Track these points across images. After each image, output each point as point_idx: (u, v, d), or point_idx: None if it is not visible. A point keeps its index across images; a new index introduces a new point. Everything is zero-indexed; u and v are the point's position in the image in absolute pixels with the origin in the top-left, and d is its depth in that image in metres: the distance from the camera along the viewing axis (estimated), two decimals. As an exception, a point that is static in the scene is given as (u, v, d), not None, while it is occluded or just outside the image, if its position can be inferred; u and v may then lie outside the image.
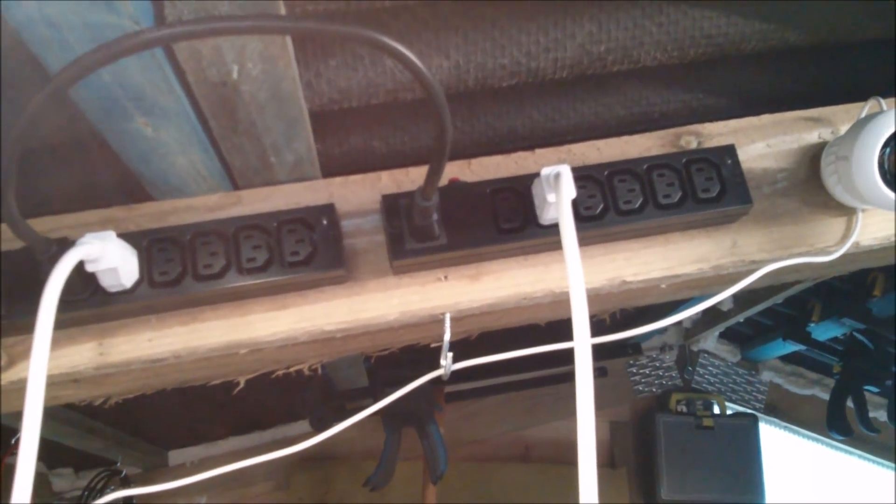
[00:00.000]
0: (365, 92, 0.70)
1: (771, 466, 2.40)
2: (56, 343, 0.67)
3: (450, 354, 0.70)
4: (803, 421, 2.54)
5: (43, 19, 0.46)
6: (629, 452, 2.40)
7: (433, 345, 0.83)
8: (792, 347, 2.18)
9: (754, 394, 2.53)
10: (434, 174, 0.57)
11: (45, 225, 0.71)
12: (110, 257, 0.60)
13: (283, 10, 0.53)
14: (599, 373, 2.36)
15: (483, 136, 0.79)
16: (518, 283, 0.70)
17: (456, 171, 0.74)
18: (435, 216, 0.65)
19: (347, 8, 0.62)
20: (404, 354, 1.60)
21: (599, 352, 2.34)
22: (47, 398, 0.76)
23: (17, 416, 1.39)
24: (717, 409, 2.41)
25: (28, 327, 0.65)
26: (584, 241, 0.69)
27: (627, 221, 0.68)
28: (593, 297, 0.72)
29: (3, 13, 0.47)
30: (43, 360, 0.52)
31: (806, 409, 2.53)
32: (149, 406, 1.92)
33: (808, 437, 2.56)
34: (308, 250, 0.67)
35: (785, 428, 2.57)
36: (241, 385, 0.87)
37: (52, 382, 0.69)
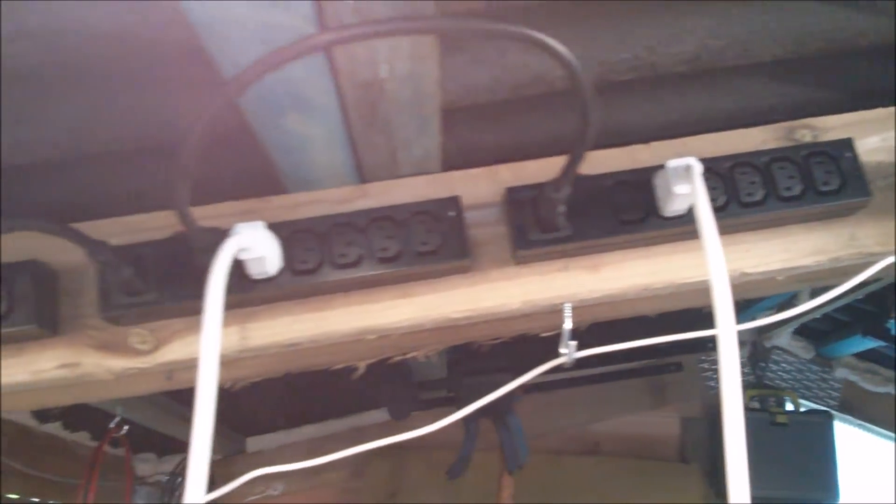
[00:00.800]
0: (488, 88, 0.73)
1: (846, 464, 2.37)
2: (199, 328, 0.72)
3: (573, 343, 0.72)
4: (878, 419, 2.50)
5: (226, 19, 0.49)
6: (701, 448, 2.39)
7: (544, 334, 0.86)
8: (870, 344, 2.15)
9: (828, 391, 2.50)
10: (572, 167, 0.60)
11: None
12: (260, 246, 0.64)
13: (432, 10, 0.56)
14: (674, 368, 2.35)
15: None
16: (638, 274, 0.72)
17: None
18: (562, 208, 0.67)
19: (474, 8, 0.65)
20: (481, 346, 1.63)
21: (676, 347, 2.34)
22: (185, 381, 0.81)
23: (116, 401, 1.46)
24: (790, 406, 2.38)
25: (176, 311, 0.70)
26: (704, 233, 0.70)
27: (749, 213, 0.69)
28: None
29: (184, 12, 0.50)
30: (215, 344, 0.56)
31: (881, 406, 2.48)
32: (229, 393, 1.99)
33: (883, 436, 2.52)
34: (437, 241, 0.70)
35: (859, 426, 2.53)
36: (361, 370, 0.91)
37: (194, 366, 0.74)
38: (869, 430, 2.54)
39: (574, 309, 0.74)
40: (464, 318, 0.73)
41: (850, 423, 2.53)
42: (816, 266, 0.72)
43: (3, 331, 0.68)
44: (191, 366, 0.72)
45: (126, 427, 1.56)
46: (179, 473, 2.04)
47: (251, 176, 0.78)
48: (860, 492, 2.39)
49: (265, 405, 2.29)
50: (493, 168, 0.77)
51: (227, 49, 0.53)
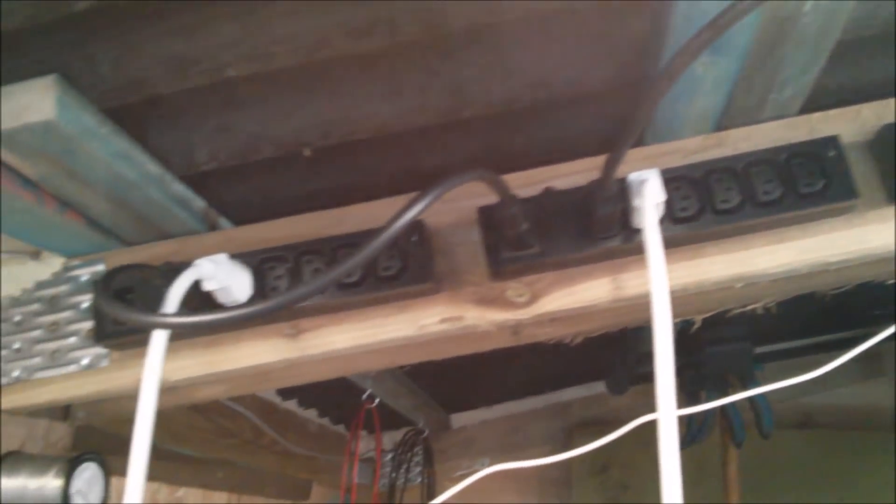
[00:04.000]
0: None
1: None
2: (572, 279, 0.73)
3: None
4: None
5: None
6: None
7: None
8: None
9: None
10: None
11: (540, 175, 0.77)
12: (658, 194, 0.64)
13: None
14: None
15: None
16: None
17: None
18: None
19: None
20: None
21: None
22: (528, 336, 0.83)
23: (367, 376, 1.50)
24: None
25: (554, 265, 0.72)
26: None
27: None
28: None
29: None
30: (664, 283, 0.57)
31: None
32: (437, 372, 2.05)
33: None
34: (819, 182, 0.69)
35: None
36: (698, 324, 0.91)
37: (561, 318, 0.76)
38: None
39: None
40: (840, 261, 0.71)
41: None
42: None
43: (399, 290, 0.72)
44: (562, 317, 0.75)
45: (377, 400, 1.63)
46: (409, 448, 2.11)
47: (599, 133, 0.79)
48: None
49: (467, 384, 2.33)
50: (855, 108, 0.75)
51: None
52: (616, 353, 1.91)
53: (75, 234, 0.73)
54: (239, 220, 0.82)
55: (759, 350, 1.91)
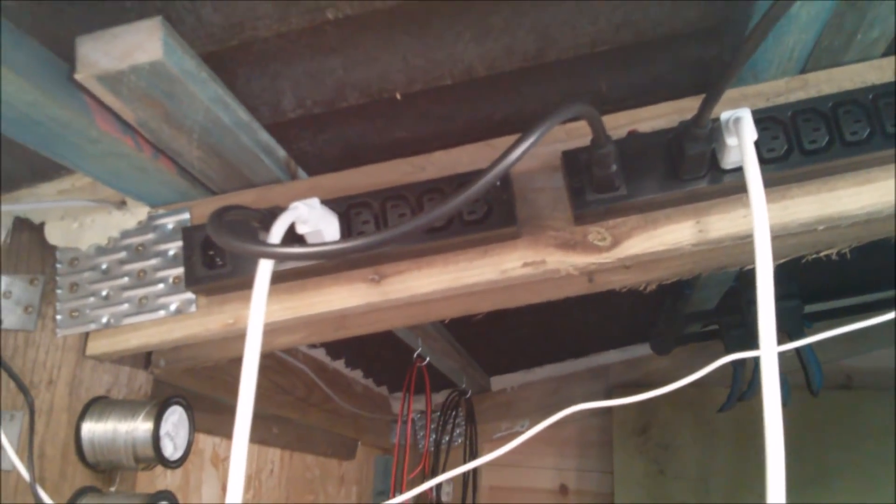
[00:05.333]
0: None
1: None
2: (655, 222, 0.74)
3: None
4: None
5: None
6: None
7: None
8: None
9: None
10: None
11: (622, 119, 0.77)
12: (750, 133, 0.64)
13: None
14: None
15: None
16: None
17: None
18: None
19: None
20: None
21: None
22: (603, 283, 0.84)
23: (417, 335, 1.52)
24: None
25: (638, 208, 0.72)
26: None
27: None
28: None
29: None
30: (764, 222, 0.57)
31: None
32: (480, 333, 2.06)
33: None
34: (910, 121, 0.68)
35: None
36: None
37: (641, 262, 0.76)
38: None
39: None
40: (927, 200, 0.71)
41: None
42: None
43: (483, 234, 0.73)
44: (642, 261, 0.75)
45: (427, 359, 1.65)
46: (452, 408, 2.14)
47: (681, 77, 0.78)
48: None
49: (507, 346, 2.35)
50: (943, 48, 0.74)
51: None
52: (661, 315, 1.92)
53: (165, 181, 0.74)
54: (316, 172, 0.83)
55: (809, 309, 1.91)
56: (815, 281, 1.91)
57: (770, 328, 0.57)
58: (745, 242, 0.73)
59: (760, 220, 0.58)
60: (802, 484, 2.18)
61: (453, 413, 2.17)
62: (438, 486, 2.32)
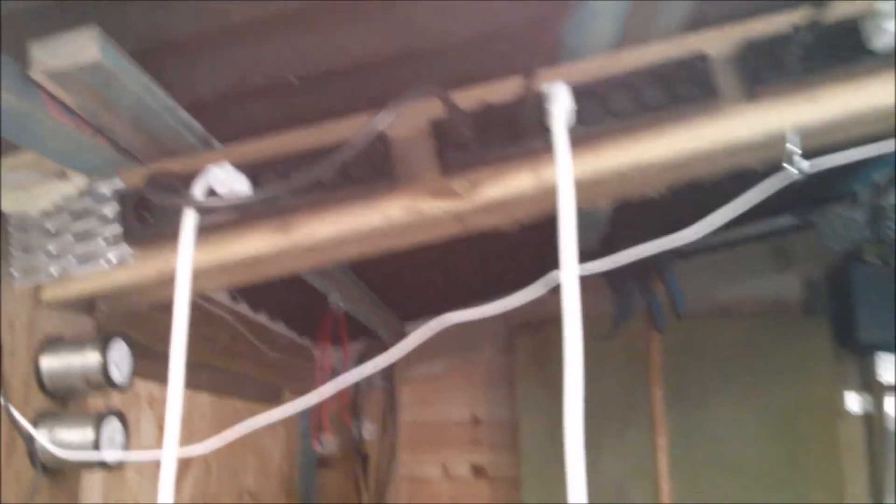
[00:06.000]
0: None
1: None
2: (503, 173, 0.93)
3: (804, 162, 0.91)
4: None
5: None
6: (825, 302, 2.56)
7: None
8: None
9: (946, 243, 2.63)
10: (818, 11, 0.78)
11: (482, 92, 0.95)
12: (567, 101, 0.84)
13: None
14: (799, 228, 2.50)
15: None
16: (853, 102, 0.90)
17: None
18: (797, 51, 0.85)
19: None
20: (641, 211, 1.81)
21: (798, 208, 2.49)
22: (473, 224, 1.03)
23: (331, 287, 1.71)
24: (908, 260, 2.53)
25: (490, 160, 0.91)
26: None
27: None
28: None
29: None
30: (569, 172, 0.77)
31: None
32: (389, 281, 2.26)
33: None
34: (693, 89, 0.89)
35: (976, 274, 2.66)
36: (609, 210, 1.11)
37: (496, 205, 0.96)
38: None
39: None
40: (709, 150, 0.92)
41: (967, 272, 2.67)
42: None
43: (368, 188, 0.91)
44: (496, 204, 0.95)
45: (342, 306, 1.83)
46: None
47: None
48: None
49: (421, 293, 2.55)
50: (727, 29, 0.94)
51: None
52: (548, 258, 2.14)
53: (101, 155, 0.90)
54: (229, 143, 1.00)
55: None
56: (682, 220, 2.16)
57: (572, 253, 0.77)
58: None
59: (564, 169, 0.78)
60: (680, 404, 2.46)
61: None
62: (360, 424, 2.54)
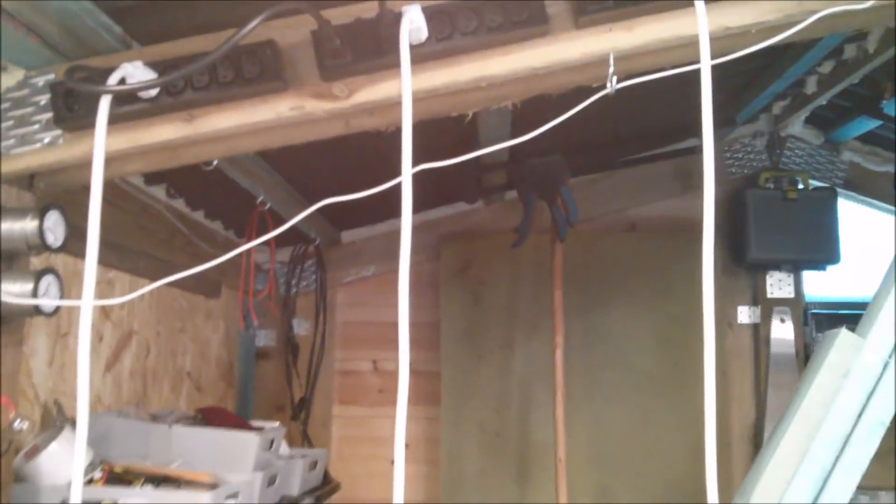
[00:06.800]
0: None
1: (850, 235, 2.79)
2: (374, 80, 1.13)
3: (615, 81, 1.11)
4: (879, 195, 2.90)
5: None
6: (721, 225, 2.82)
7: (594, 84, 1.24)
8: (869, 125, 2.51)
9: (835, 172, 2.89)
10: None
11: (356, 10, 1.14)
12: (419, 21, 1.03)
13: None
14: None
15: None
16: (663, 30, 1.10)
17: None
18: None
19: None
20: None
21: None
22: (357, 126, 1.23)
23: (259, 185, 1.92)
24: (801, 185, 2.78)
25: (363, 69, 1.11)
26: None
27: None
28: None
29: None
30: (408, 86, 0.97)
31: (882, 183, 2.88)
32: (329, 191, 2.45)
33: (883, 210, 2.92)
34: (523, 13, 1.09)
35: (863, 202, 2.93)
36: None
37: (372, 108, 1.16)
38: (871, 205, 2.94)
39: (616, 60, 1.13)
40: (544, 66, 1.12)
41: (855, 199, 2.94)
42: (776, 21, 1.10)
43: (259, 87, 1.10)
44: (372, 107, 1.15)
45: (269, 205, 2.02)
46: (302, 258, 2.55)
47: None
48: (859, 254, 2.81)
49: (355, 204, 2.74)
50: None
51: None
52: (467, 168, 2.36)
53: (35, 52, 1.08)
54: (145, 44, 1.18)
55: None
56: (579, 142, 2.38)
57: (408, 154, 0.97)
58: (430, 96, 1.14)
59: (405, 82, 0.98)
60: (581, 309, 2.72)
61: (304, 261, 2.59)
62: (292, 323, 2.77)
